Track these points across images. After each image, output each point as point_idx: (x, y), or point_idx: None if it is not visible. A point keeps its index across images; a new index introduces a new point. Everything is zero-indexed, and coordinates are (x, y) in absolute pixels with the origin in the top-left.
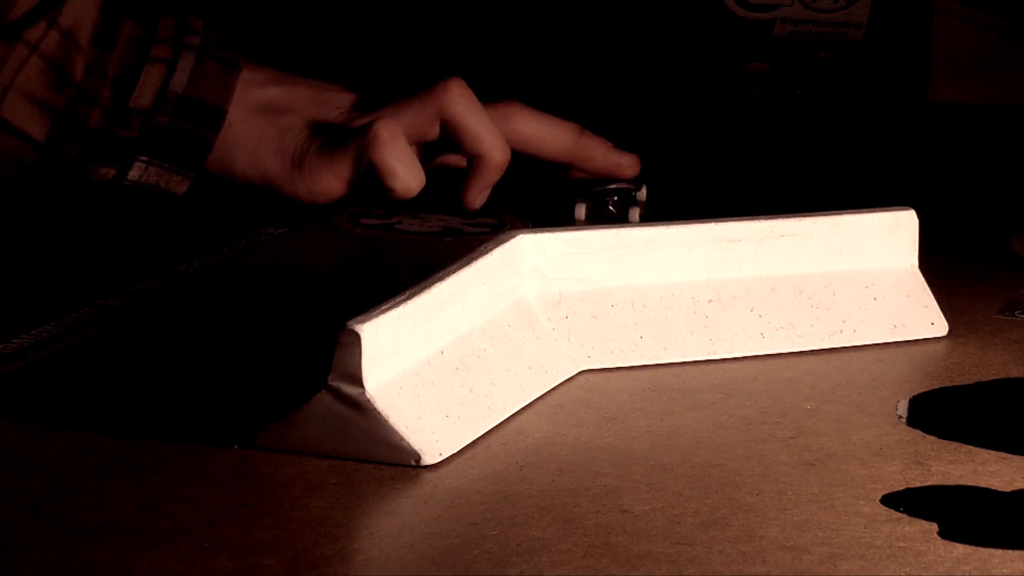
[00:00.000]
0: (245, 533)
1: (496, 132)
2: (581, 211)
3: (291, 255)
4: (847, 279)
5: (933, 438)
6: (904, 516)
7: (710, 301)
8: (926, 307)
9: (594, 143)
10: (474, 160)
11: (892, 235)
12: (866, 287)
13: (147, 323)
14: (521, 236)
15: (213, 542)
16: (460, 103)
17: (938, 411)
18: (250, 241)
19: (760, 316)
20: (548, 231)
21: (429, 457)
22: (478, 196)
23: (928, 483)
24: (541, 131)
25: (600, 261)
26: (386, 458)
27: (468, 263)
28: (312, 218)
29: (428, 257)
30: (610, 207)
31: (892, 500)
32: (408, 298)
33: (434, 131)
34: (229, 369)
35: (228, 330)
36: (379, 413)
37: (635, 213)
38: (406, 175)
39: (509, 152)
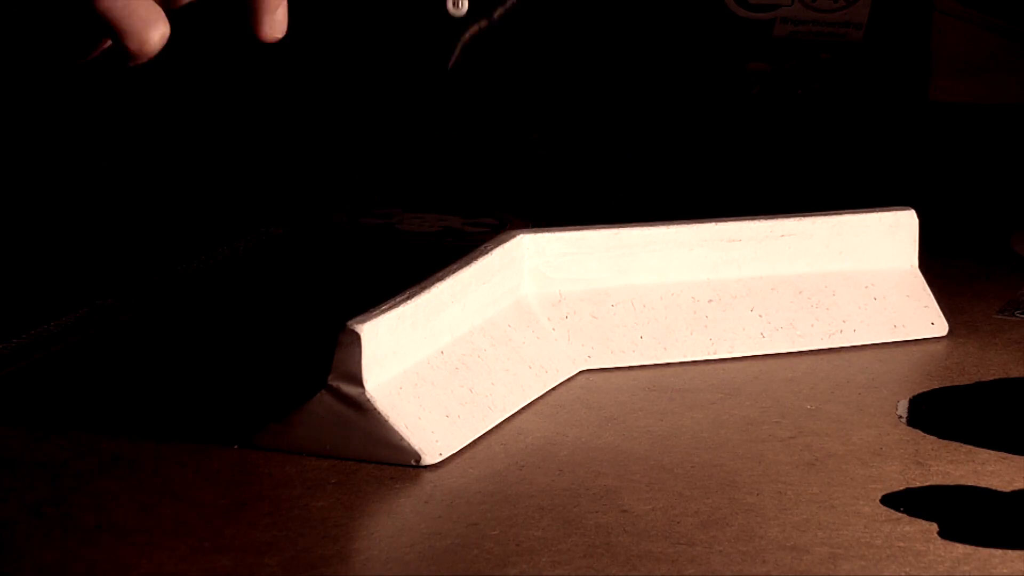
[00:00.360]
0: (245, 533)
1: None
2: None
3: (291, 255)
4: (847, 279)
5: (933, 438)
6: (904, 516)
7: (710, 301)
8: (926, 307)
9: None
10: None
11: (892, 235)
12: (866, 287)
13: (147, 323)
14: (521, 236)
15: (213, 542)
16: None
17: (938, 411)
18: (250, 241)
19: (760, 316)
20: (548, 231)
21: (429, 457)
22: (273, 25)
23: (928, 483)
24: None
25: (600, 261)
26: (386, 458)
27: (468, 263)
28: (311, 217)
29: (428, 257)
30: None
31: (892, 500)
32: (408, 298)
33: None
34: (229, 369)
35: (228, 330)
36: (379, 413)
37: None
38: (140, 28)
39: None
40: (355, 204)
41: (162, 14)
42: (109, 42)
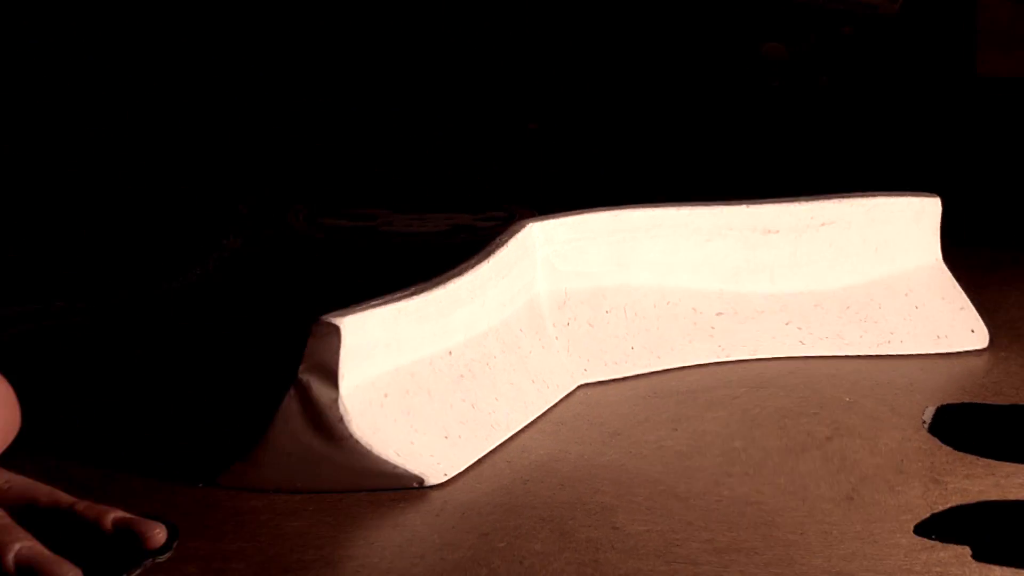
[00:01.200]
0: (211, 546)
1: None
2: None
3: (258, 272)
4: (888, 288)
5: (948, 449)
6: (937, 543)
7: (719, 314)
8: (962, 308)
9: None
10: None
11: (916, 223)
12: (906, 295)
13: (111, 348)
14: (531, 224)
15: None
16: None
17: (959, 423)
18: (215, 259)
19: (799, 328)
20: (553, 217)
21: (433, 478)
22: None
23: (948, 503)
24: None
25: (602, 247)
26: (379, 486)
27: (485, 257)
28: (266, 223)
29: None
30: None
31: (923, 528)
32: (413, 293)
33: None
34: (195, 400)
35: (195, 354)
36: (358, 443)
37: None
38: None
39: None
40: (339, 205)
41: None
42: None
